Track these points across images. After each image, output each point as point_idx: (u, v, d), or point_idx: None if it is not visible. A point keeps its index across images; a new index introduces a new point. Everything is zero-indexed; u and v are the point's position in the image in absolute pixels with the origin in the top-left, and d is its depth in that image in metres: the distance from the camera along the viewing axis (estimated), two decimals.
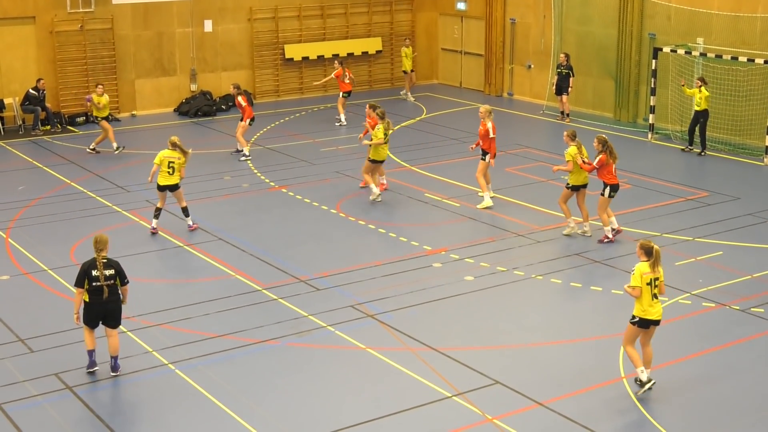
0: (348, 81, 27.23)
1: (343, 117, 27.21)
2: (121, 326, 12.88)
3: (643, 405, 11.82)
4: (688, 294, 15.17)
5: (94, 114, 24.62)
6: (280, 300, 15.10)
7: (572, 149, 17.48)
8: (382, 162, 20.17)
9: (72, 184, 21.66)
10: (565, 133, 17.77)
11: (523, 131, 26.80)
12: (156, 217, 18.16)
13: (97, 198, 20.45)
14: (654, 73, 25.15)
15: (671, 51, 24.98)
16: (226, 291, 15.49)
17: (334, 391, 12.33)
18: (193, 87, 29.81)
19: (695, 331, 14.00)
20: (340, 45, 31.83)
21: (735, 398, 12.11)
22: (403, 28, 33.22)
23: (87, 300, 12.40)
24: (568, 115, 27.56)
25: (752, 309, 14.50)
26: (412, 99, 30.82)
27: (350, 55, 31.74)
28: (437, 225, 18.75)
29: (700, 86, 23.39)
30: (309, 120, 28.46)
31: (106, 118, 24.45)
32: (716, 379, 12.64)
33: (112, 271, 12.43)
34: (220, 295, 15.30)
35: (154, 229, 18.17)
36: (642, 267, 11.88)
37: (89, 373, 12.61)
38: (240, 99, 23.80)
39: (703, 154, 23.82)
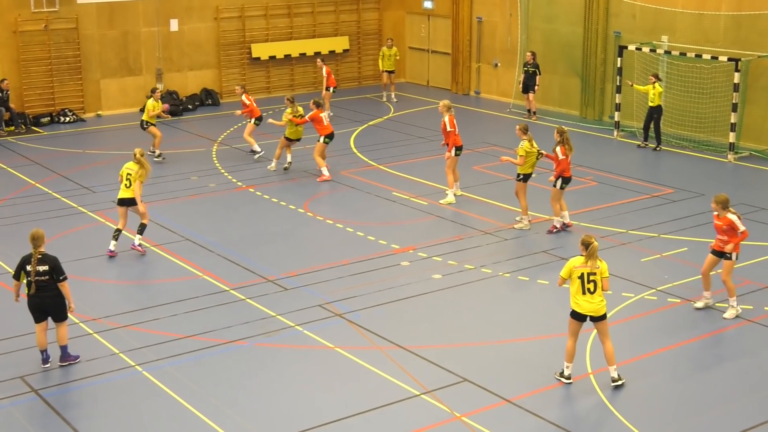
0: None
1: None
2: (84, 327, 12.79)
3: (609, 401, 11.91)
4: (654, 290, 15.30)
5: (145, 119, 23.30)
6: (247, 300, 15.06)
7: (525, 144, 17.83)
8: (297, 140, 22.29)
9: (37, 185, 21.47)
10: (517, 127, 18.21)
11: (490, 129, 26.89)
12: (115, 238, 16.99)
13: (63, 199, 20.29)
14: (619, 71, 25.33)
15: (636, 49, 25.16)
16: (193, 291, 15.43)
17: (303, 391, 12.32)
18: (159, 86, 29.62)
19: (661, 327, 14.12)
20: (307, 44, 31.78)
21: (700, 393, 12.23)
22: (370, 26, 33.22)
23: (27, 292, 12.60)
24: (534, 113, 27.68)
25: (717, 304, 14.64)
26: (395, 100, 30.60)
27: (317, 54, 31.70)
28: (405, 223, 18.78)
29: (654, 82, 23.62)
30: (276, 119, 28.32)
31: (153, 124, 23.46)
32: (682, 374, 12.77)
33: (45, 267, 12.51)
34: (188, 296, 15.24)
35: (111, 251, 16.91)
36: (575, 260, 12.14)
37: (44, 368, 12.74)
38: (245, 98, 23.67)
39: (658, 149, 24.05)
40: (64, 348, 12.84)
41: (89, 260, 16.93)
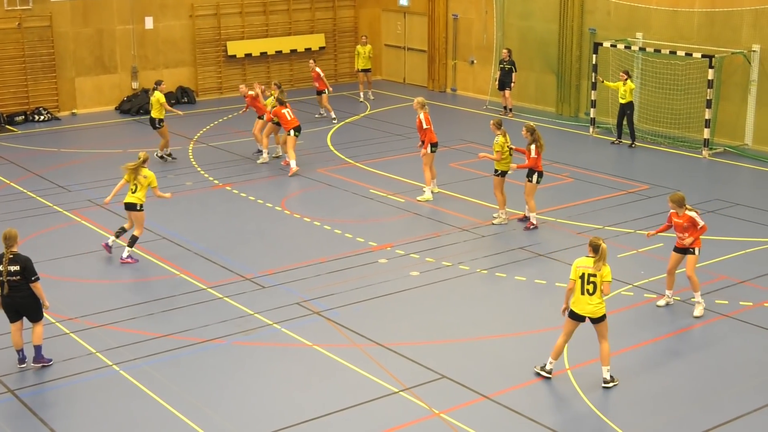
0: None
1: (332, 113, 27.41)
2: (61, 326, 12.72)
3: (587, 396, 11.97)
4: (630, 285, 15.39)
5: (157, 116, 22.62)
6: (225, 298, 15.02)
7: (500, 139, 17.93)
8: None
9: (11, 184, 21.31)
10: (491, 122, 18.31)
11: (467, 126, 26.94)
12: (117, 235, 16.89)
13: (38, 198, 20.16)
14: (595, 68, 25.45)
15: (611, 46, 25.29)
16: (170, 290, 15.37)
17: (281, 389, 12.31)
18: (135, 85, 29.50)
19: (637, 322, 14.21)
20: (283, 42, 31.71)
21: (677, 387, 12.31)
22: (346, 24, 33.20)
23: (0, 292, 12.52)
24: (510, 110, 27.75)
25: (692, 299, 14.74)
26: (372, 98, 30.47)
27: (293, 51, 31.63)
28: (382, 221, 18.79)
29: (626, 79, 23.76)
30: (253, 117, 28.24)
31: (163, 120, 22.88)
32: (658, 368, 12.85)
33: (17, 267, 12.42)
34: (165, 295, 15.18)
35: (107, 245, 16.87)
36: (579, 261, 12.18)
37: (20, 368, 12.68)
38: (261, 98, 23.41)
39: (633, 146, 24.19)
40: (38, 348, 12.75)
41: (65, 259, 16.84)
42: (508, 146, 17.99)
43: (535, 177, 17.74)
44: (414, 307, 14.78)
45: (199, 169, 22.49)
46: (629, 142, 24.30)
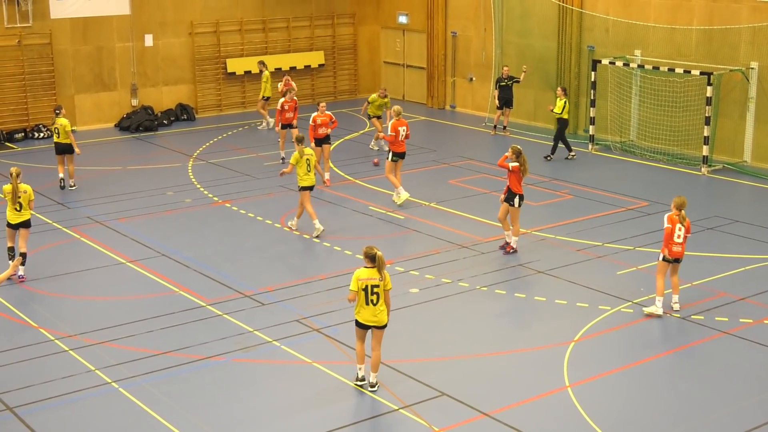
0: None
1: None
2: (60, 344, 12.67)
3: (587, 414, 11.94)
4: (630, 303, 15.37)
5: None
6: (224, 315, 15.00)
7: (296, 155, 18.36)
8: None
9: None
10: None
11: (466, 143, 26.98)
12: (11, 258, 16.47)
13: (37, 215, 20.12)
14: (593, 85, 25.51)
15: (610, 63, 25.35)
16: (169, 307, 15.35)
17: (280, 407, 12.27)
18: (134, 102, 29.55)
19: (637, 340, 14.18)
20: (282, 59, 31.78)
21: (677, 405, 12.28)
22: (345, 41, 33.29)
23: None
24: (505, 127, 27.77)
25: (692, 317, 14.74)
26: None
27: (293, 68, 31.70)
28: (382, 238, 18.77)
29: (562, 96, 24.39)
30: (252, 134, 28.36)
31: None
32: (658, 386, 12.82)
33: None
34: (164, 312, 15.16)
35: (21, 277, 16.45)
36: (359, 272, 12.37)
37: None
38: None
39: (549, 158, 24.62)
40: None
41: (64, 276, 16.82)
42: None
43: (516, 200, 17.44)
44: (413, 324, 14.76)
45: (198, 186, 22.50)
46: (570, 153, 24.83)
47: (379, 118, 26.15)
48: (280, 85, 27.15)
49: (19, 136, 27.56)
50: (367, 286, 12.23)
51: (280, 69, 31.37)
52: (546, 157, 24.53)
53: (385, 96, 25.91)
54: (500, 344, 14.11)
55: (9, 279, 15.16)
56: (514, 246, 17.70)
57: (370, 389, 12.46)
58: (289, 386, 12.84)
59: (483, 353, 13.79)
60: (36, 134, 27.75)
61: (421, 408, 12.09)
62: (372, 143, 26.04)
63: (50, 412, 12.17)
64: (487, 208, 20.36)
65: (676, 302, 14.97)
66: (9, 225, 16.67)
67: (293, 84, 26.41)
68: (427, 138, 27.37)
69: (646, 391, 12.66)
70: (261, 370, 13.30)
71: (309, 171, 18.57)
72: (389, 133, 20.63)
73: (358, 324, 12.47)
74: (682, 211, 14.85)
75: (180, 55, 30.23)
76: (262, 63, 29.23)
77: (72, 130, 27.96)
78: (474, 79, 30.91)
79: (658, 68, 24.39)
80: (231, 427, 11.73)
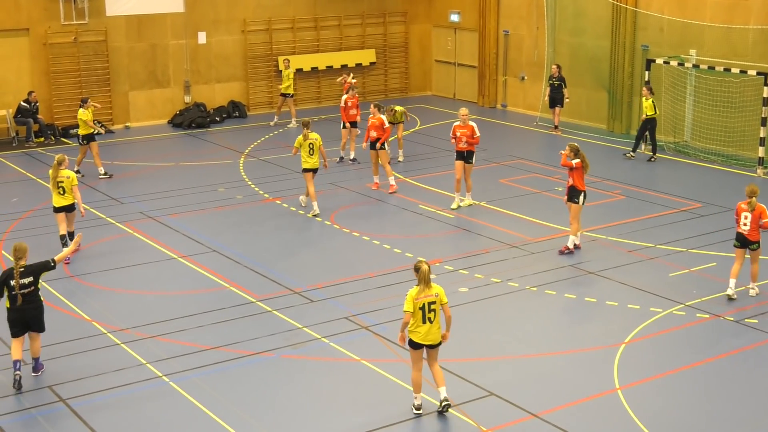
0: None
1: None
2: (112, 337, 12.84)
3: (637, 417, 11.82)
4: (683, 305, 15.19)
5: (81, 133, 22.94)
6: (274, 312, 15.08)
7: (299, 138, 19.58)
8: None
9: (85, 208, 21.54)
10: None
11: (517, 143, 26.84)
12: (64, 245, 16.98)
13: (91, 210, 20.41)
14: (647, 85, 25.21)
15: (664, 62, 25.06)
16: (220, 303, 15.47)
17: (328, 403, 12.31)
18: (187, 99, 29.83)
19: (689, 343, 14.01)
20: (333, 57, 31.88)
21: (729, 410, 12.11)
22: (396, 39, 33.29)
23: (8, 306, 12.72)
24: (557, 126, 27.59)
25: (746, 320, 14.52)
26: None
27: (344, 66, 31.76)
28: (431, 236, 18.75)
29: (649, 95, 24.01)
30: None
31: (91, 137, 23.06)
32: (710, 390, 12.64)
33: (30, 279, 12.69)
34: (215, 307, 15.28)
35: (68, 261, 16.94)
36: (413, 291, 11.63)
37: (15, 378, 12.56)
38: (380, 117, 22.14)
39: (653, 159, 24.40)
40: (37, 360, 12.99)
41: (117, 271, 17.03)
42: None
43: (581, 198, 17.39)
44: (462, 323, 14.68)
45: (249, 182, 22.64)
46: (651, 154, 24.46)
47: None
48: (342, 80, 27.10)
49: (74, 131, 27.89)
50: (424, 304, 11.56)
51: (331, 67, 31.45)
52: (650, 160, 24.28)
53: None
54: (550, 345, 14.02)
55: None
56: (571, 246, 17.47)
57: (443, 405, 11.77)
58: (337, 383, 12.87)
59: (532, 354, 13.71)
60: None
61: (469, 408, 12.05)
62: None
63: (102, 404, 12.32)
64: (538, 207, 20.24)
65: (752, 287, 15.39)
66: (56, 210, 17.39)
67: (352, 81, 26.42)
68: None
69: (698, 395, 12.50)
70: (309, 366, 13.35)
71: (312, 154, 19.79)
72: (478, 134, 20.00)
73: (412, 344, 11.73)
74: (753, 199, 15.29)
75: (232, 53, 30.45)
76: (287, 60, 29.30)
77: (126, 127, 28.44)
78: (525, 78, 30.74)
79: (713, 68, 24.06)
80: (278, 423, 11.78)
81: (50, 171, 17.44)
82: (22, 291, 12.62)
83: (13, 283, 12.58)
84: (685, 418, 11.87)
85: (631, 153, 24.57)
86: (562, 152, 17.54)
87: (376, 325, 14.54)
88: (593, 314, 15.12)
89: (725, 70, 23.76)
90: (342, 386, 12.78)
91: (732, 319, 14.64)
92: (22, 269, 12.68)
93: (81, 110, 22.79)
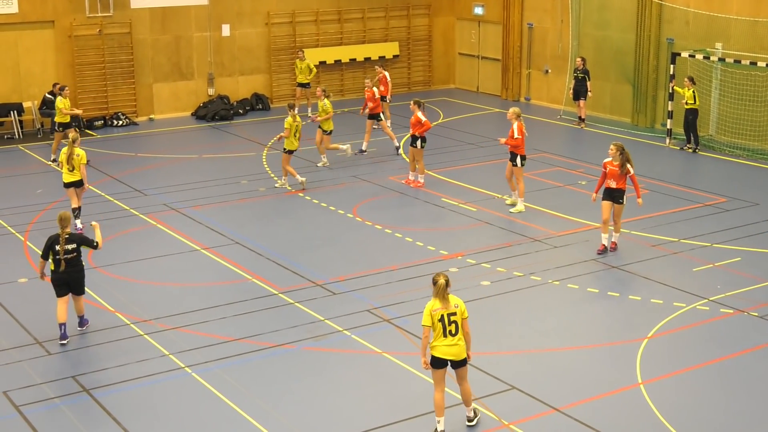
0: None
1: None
2: (136, 328, 12.90)
3: (659, 411, 11.76)
4: (706, 300, 15.10)
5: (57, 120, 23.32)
6: (296, 304, 15.11)
7: (289, 120, 20.68)
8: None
9: (90, 187, 21.62)
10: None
11: (541, 136, 26.73)
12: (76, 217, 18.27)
13: (115, 201, 20.52)
14: (672, 78, 25.06)
15: (689, 56, 24.89)
16: (242, 295, 15.52)
17: (350, 396, 12.33)
18: (211, 91, 29.91)
19: (713, 338, 13.92)
20: (357, 49, 31.87)
21: (753, 406, 12.03)
22: (420, 32, 33.24)
23: (52, 269, 13.67)
24: (583, 120, 27.47)
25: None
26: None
27: (367, 59, 31.75)
28: (454, 229, 18.73)
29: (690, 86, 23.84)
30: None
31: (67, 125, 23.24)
32: (733, 386, 12.56)
33: (73, 245, 13.63)
34: (237, 299, 15.33)
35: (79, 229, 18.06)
36: (431, 304, 11.06)
37: (61, 344, 13.63)
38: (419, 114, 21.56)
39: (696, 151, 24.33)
40: (82, 317, 14.11)
41: (140, 262, 17.12)
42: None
43: (625, 198, 17.11)
44: (484, 316, 14.68)
45: (272, 175, 22.68)
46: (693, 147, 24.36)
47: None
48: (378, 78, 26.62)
49: (99, 123, 28.11)
50: (443, 316, 10.95)
51: (354, 60, 31.41)
52: (694, 150, 24.32)
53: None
54: (572, 339, 13.98)
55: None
56: (607, 244, 17.22)
57: (468, 424, 11.47)
58: (358, 375, 12.89)
59: (554, 348, 13.67)
60: (115, 122, 28.27)
61: (490, 401, 12.04)
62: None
63: (125, 394, 12.39)
64: (561, 201, 20.17)
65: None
66: (66, 185, 18.35)
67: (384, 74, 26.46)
68: (500, 130, 27.15)
69: (721, 390, 12.42)
70: (331, 358, 13.37)
71: (296, 136, 21.23)
72: (517, 135, 19.44)
73: (434, 363, 11.09)
74: None
75: (256, 45, 30.50)
76: (301, 51, 29.28)
77: (151, 119, 28.62)
78: (549, 71, 30.62)
79: (739, 62, 23.87)
80: (300, 414, 11.81)
81: (64, 149, 18.29)
82: (66, 256, 13.52)
83: (58, 248, 13.47)
84: (707, 414, 11.81)
85: (688, 146, 24.41)
86: (615, 164, 16.98)
87: (398, 318, 14.54)
88: (616, 309, 15.05)
89: (751, 63, 23.57)
90: (363, 379, 12.79)
91: (756, 314, 14.53)
92: (67, 236, 13.55)
93: (59, 98, 23.40)
